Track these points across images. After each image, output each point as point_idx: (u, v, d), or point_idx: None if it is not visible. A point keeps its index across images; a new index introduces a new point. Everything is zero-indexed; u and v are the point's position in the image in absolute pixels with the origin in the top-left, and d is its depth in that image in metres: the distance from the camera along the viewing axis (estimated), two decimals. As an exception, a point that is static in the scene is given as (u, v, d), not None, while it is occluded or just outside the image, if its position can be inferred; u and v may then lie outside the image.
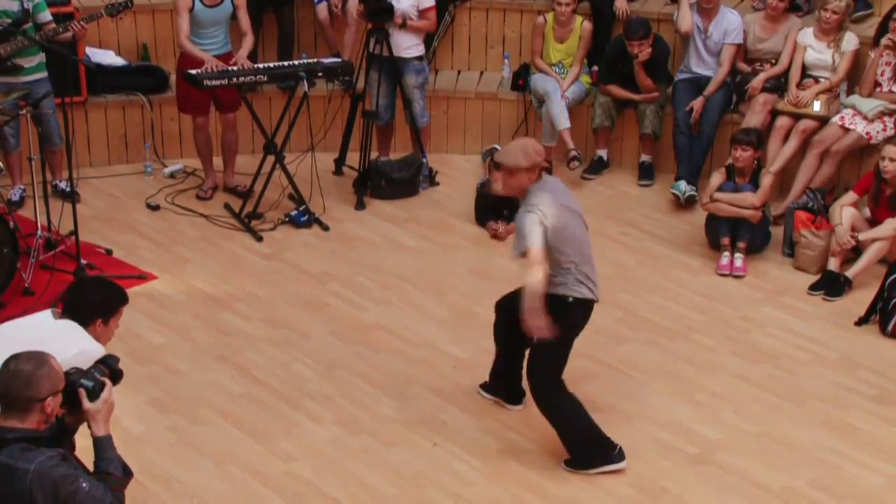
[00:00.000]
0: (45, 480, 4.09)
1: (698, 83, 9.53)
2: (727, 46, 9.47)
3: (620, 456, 6.31)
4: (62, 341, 4.87)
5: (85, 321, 4.99)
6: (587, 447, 6.31)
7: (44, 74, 8.69)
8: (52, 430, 4.33)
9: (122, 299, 5.13)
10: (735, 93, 9.58)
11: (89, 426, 4.37)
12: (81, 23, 8.52)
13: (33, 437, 4.18)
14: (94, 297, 5.07)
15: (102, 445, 4.35)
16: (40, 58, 8.65)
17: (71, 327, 4.97)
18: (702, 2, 9.45)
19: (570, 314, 6.15)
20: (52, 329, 4.98)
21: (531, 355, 6.29)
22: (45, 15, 8.59)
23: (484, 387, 6.93)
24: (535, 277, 5.81)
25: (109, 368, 4.53)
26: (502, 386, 6.84)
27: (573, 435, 6.29)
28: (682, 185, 9.27)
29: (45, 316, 5.07)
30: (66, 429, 4.44)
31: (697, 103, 9.41)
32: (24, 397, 4.18)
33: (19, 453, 4.13)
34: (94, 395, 4.36)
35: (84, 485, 4.15)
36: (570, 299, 6.13)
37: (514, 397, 6.80)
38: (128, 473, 4.41)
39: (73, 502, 4.12)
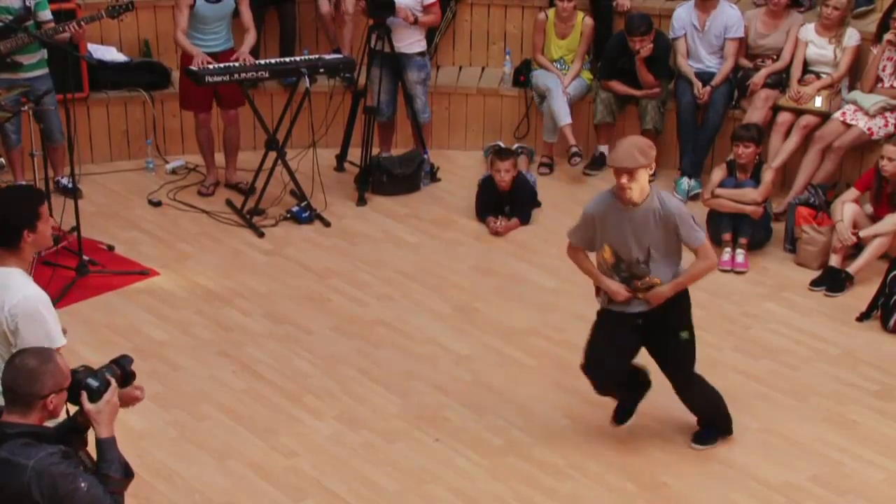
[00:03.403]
0: (44, 477, 4.08)
1: (700, 78, 9.50)
2: (729, 41, 9.46)
3: (731, 427, 6.59)
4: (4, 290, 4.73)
5: (14, 239, 4.75)
6: (724, 422, 6.56)
7: (44, 71, 8.67)
8: (61, 426, 4.31)
9: (39, 198, 4.89)
10: (737, 89, 9.57)
11: (93, 427, 4.32)
12: (81, 23, 8.50)
13: (35, 433, 4.17)
14: (10, 209, 4.80)
15: (104, 447, 4.30)
16: (41, 55, 8.63)
17: (11, 274, 4.79)
18: (700, -5, 9.45)
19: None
20: None
21: (679, 352, 6.33)
22: (46, 13, 8.57)
23: (619, 420, 6.59)
24: (712, 261, 6.28)
25: (122, 369, 4.47)
26: (631, 399, 6.57)
27: (719, 413, 6.52)
28: (684, 183, 9.26)
29: None
30: (78, 426, 4.38)
31: (706, 90, 9.35)
32: (27, 393, 4.16)
33: (20, 448, 4.11)
34: (97, 395, 4.30)
35: (83, 484, 4.12)
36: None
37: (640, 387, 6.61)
38: (129, 475, 4.35)
39: (72, 500, 4.10)
